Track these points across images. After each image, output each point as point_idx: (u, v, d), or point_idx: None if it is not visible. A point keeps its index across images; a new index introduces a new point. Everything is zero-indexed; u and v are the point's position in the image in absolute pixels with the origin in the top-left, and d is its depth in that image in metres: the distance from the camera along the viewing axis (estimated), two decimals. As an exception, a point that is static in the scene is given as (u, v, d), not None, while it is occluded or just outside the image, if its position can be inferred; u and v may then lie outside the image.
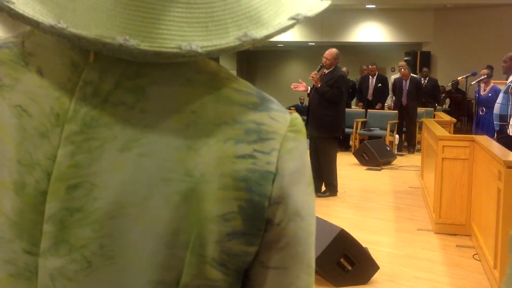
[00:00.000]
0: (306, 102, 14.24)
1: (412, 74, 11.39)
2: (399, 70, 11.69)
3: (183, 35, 0.55)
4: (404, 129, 11.40)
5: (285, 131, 0.60)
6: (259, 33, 0.57)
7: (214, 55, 0.57)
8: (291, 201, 0.60)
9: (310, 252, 0.64)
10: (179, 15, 0.55)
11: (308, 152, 0.63)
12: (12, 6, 0.55)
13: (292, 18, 0.58)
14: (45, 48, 0.61)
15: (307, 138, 8.14)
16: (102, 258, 0.57)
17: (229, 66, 20.64)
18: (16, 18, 0.56)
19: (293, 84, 7.13)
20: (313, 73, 6.86)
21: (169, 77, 0.59)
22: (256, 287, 0.62)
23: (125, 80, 0.58)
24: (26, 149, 0.58)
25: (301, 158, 0.61)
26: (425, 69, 13.00)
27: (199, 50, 0.55)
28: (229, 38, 0.56)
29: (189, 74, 0.60)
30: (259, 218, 0.58)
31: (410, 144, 11.31)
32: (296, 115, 0.64)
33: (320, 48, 7.20)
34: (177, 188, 0.56)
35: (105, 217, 0.56)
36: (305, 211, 0.62)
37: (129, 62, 0.58)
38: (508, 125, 6.17)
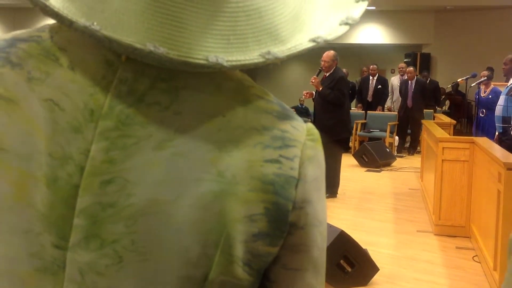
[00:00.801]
0: (305, 104, 14.25)
1: (417, 77, 11.39)
2: (399, 72, 11.69)
3: (207, 46, 0.56)
4: (409, 131, 11.39)
5: (304, 139, 0.63)
6: (280, 51, 0.58)
7: (236, 69, 0.60)
8: (312, 206, 0.63)
9: (325, 255, 0.68)
10: (204, 25, 0.56)
11: (324, 162, 0.67)
12: (47, 3, 0.56)
13: (313, 41, 0.60)
14: (77, 44, 0.62)
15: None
16: (134, 254, 0.57)
17: (229, 67, 20.64)
18: (48, 15, 0.57)
19: (304, 92, 7.14)
20: (312, 77, 6.85)
21: (200, 82, 0.61)
22: (276, 287, 0.65)
23: (159, 82, 0.60)
24: (58, 142, 0.58)
25: (320, 166, 0.65)
26: (425, 73, 13.01)
27: (225, 63, 0.56)
28: (253, 55, 0.58)
29: (219, 81, 0.62)
30: (283, 221, 0.60)
31: (412, 145, 11.31)
32: (311, 125, 0.66)
33: (320, 49, 7.04)
34: (209, 188, 0.57)
35: (138, 213, 0.57)
36: (322, 217, 0.65)
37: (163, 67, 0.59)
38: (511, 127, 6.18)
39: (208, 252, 0.58)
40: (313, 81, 6.78)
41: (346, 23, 0.62)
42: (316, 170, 0.64)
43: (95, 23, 0.55)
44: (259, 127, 0.61)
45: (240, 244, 0.59)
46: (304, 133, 0.64)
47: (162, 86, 0.60)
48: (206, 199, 0.58)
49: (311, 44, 0.60)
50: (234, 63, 0.57)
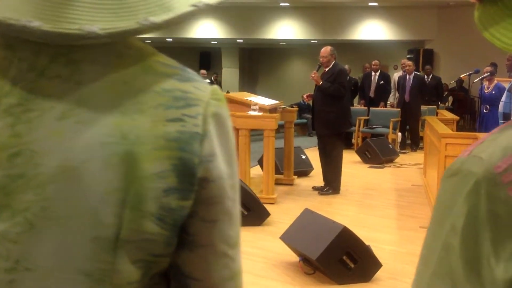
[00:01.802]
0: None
1: (415, 72, 11.35)
2: (402, 67, 11.66)
3: (89, 19, 0.60)
4: (407, 126, 11.38)
5: (208, 98, 0.68)
6: (159, 18, 0.62)
7: (117, 38, 0.62)
8: (219, 160, 0.67)
9: (238, 206, 0.72)
10: (90, 1, 0.61)
11: (230, 120, 0.71)
12: None
13: (193, 5, 0.64)
14: None
15: (315, 136, 8.15)
16: (45, 220, 0.61)
17: (231, 64, 20.64)
18: None
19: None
20: (312, 73, 6.92)
21: (100, 53, 0.65)
22: (197, 241, 0.68)
23: (59, 56, 0.63)
24: None
25: (224, 122, 0.69)
26: (427, 66, 12.97)
27: (99, 32, 0.60)
28: (130, 22, 0.62)
29: (119, 49, 0.66)
30: (191, 175, 0.64)
31: (413, 141, 11.28)
32: (216, 87, 0.71)
33: (323, 46, 7.20)
34: (114, 151, 0.61)
35: (47, 181, 0.61)
36: (232, 170, 0.69)
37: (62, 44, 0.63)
38: (512, 123, 6.16)
39: (116, 211, 0.61)
40: (313, 75, 6.85)
41: None
42: (221, 126, 0.68)
43: None
44: (159, 90, 0.65)
45: (151, 200, 0.62)
46: (208, 93, 0.68)
47: (61, 60, 0.63)
48: (112, 161, 0.61)
49: (191, 9, 0.64)
50: (109, 30, 0.60)
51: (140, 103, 0.64)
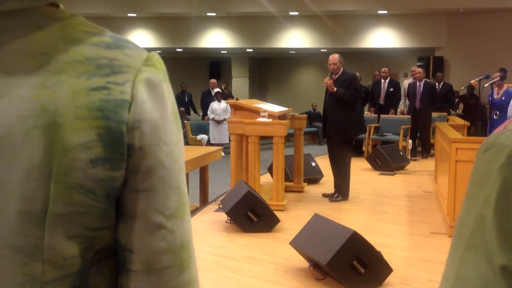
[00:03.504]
0: (317, 109, 14.16)
1: (425, 79, 11.31)
2: (412, 75, 11.63)
3: None
4: (418, 134, 11.32)
5: (139, 65, 0.66)
6: None
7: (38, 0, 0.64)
8: (150, 125, 0.65)
9: (178, 176, 0.69)
10: None
11: (169, 85, 0.69)
12: None
13: None
14: None
15: (322, 143, 8.23)
16: None
17: (241, 73, 20.69)
18: None
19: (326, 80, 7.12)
20: (326, 78, 6.90)
21: (20, 24, 0.64)
22: (130, 212, 0.67)
23: None
24: None
25: (157, 88, 0.67)
26: (439, 74, 12.92)
27: None
28: None
29: (40, 21, 0.65)
30: (119, 143, 0.63)
31: (424, 149, 11.23)
32: (154, 53, 0.69)
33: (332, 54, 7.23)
34: (34, 124, 0.61)
35: None
36: (168, 138, 0.67)
37: None
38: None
39: (42, 185, 0.61)
40: (328, 82, 6.82)
41: None
42: (153, 91, 0.66)
43: None
44: (82, 59, 0.64)
45: (77, 172, 0.62)
46: (141, 59, 0.67)
47: None
48: (33, 134, 0.60)
49: None
50: None
51: (61, 73, 0.63)
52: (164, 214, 0.67)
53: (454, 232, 0.65)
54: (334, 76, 6.93)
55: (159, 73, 0.68)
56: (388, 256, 4.33)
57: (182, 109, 13.82)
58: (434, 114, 11.27)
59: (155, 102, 0.66)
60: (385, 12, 14.72)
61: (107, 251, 0.68)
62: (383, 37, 15.65)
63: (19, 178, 0.60)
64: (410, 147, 11.18)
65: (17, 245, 0.62)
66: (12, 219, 0.61)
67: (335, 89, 6.80)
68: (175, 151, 0.69)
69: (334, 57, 6.96)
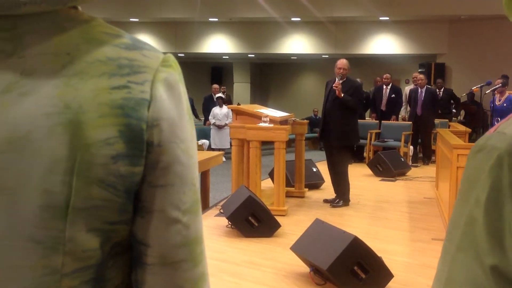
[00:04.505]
0: (319, 115, 14.17)
1: (427, 86, 11.32)
2: (414, 81, 11.64)
3: None
4: (419, 140, 11.32)
5: (157, 65, 0.69)
6: None
7: (55, 4, 0.65)
8: (168, 123, 0.68)
9: (193, 172, 0.72)
10: None
11: (183, 85, 0.72)
12: None
13: None
14: None
15: (323, 149, 8.23)
16: None
17: (243, 79, 20.71)
18: None
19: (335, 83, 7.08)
20: (336, 82, 6.87)
21: (44, 25, 0.67)
22: (147, 207, 0.69)
23: (2, 31, 0.65)
24: None
25: (174, 88, 0.70)
26: (439, 80, 12.93)
27: None
28: None
29: (62, 22, 0.68)
30: (139, 140, 0.66)
31: (425, 155, 11.22)
32: (170, 55, 0.72)
33: (334, 60, 7.22)
34: (58, 120, 0.63)
35: None
36: (184, 135, 0.70)
37: (6, 17, 0.65)
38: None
39: (64, 179, 0.63)
40: (338, 86, 6.81)
41: None
42: (170, 91, 0.69)
43: None
44: (103, 59, 0.67)
45: (99, 167, 0.64)
46: (157, 61, 0.70)
47: (4, 35, 0.65)
48: (56, 130, 0.63)
49: None
50: None
51: (83, 72, 0.65)
52: (180, 209, 0.70)
53: (446, 232, 0.66)
54: (340, 81, 6.92)
55: (176, 73, 0.71)
56: (389, 262, 4.32)
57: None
58: (436, 121, 11.27)
59: (172, 101, 0.69)
60: (387, 18, 14.74)
61: (122, 245, 0.71)
62: (384, 44, 15.68)
63: (42, 173, 0.62)
64: (411, 153, 11.18)
65: (38, 238, 0.63)
66: (33, 213, 0.63)
67: (342, 94, 6.80)
68: (190, 148, 0.71)
69: (343, 62, 6.95)
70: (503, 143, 0.60)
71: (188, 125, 0.71)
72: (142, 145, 0.66)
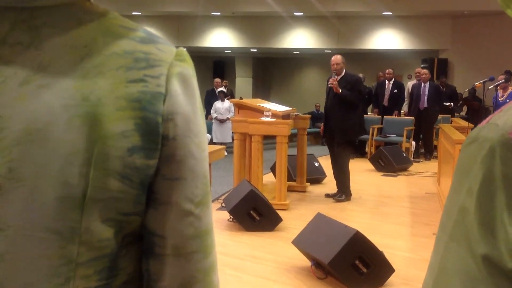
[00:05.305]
0: (321, 110, 14.16)
1: (430, 80, 11.30)
2: (416, 76, 11.62)
3: None
4: (421, 135, 11.31)
5: (171, 59, 0.70)
6: None
7: None
8: (182, 117, 0.69)
9: (205, 165, 0.73)
10: None
11: (196, 80, 0.73)
12: None
13: None
14: None
15: (325, 144, 8.23)
16: (12, 181, 0.63)
17: (245, 73, 20.70)
18: None
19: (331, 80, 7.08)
20: (332, 79, 6.87)
21: (61, 17, 0.67)
22: (161, 199, 0.70)
23: (19, 23, 0.66)
24: None
25: (189, 82, 0.71)
26: (442, 78, 12.92)
27: None
28: None
29: (79, 15, 0.69)
30: (154, 133, 0.67)
31: (427, 150, 11.22)
32: (182, 49, 0.72)
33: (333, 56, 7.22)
34: (76, 112, 0.63)
35: (12, 144, 0.63)
36: (197, 129, 0.71)
37: (22, 9, 0.66)
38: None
39: (82, 171, 0.64)
40: (334, 83, 6.81)
41: None
42: (184, 84, 0.70)
43: None
44: (120, 52, 0.67)
45: (115, 159, 0.65)
46: (171, 54, 0.71)
47: (22, 26, 0.66)
48: (74, 122, 0.63)
49: None
50: None
51: (101, 65, 0.66)
52: (193, 202, 0.71)
53: (440, 222, 0.66)
54: (336, 77, 6.93)
55: (189, 68, 0.72)
56: (390, 256, 4.33)
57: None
58: (438, 116, 11.25)
59: (187, 96, 0.70)
60: (390, 13, 14.71)
61: (133, 235, 0.72)
62: (387, 39, 15.65)
63: (59, 164, 0.63)
64: (413, 148, 11.18)
65: (55, 228, 0.64)
66: (51, 204, 0.64)
67: (340, 90, 6.80)
68: (203, 142, 0.72)
69: (337, 58, 6.96)
70: (495, 134, 0.60)
71: (201, 119, 0.72)
72: (158, 138, 0.67)
